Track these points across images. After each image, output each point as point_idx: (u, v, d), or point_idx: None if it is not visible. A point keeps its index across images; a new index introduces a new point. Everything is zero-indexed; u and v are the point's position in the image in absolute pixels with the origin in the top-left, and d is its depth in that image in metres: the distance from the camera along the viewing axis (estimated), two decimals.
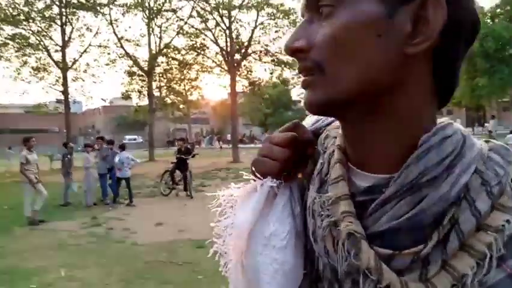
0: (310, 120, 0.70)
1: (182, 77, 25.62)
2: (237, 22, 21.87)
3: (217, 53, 22.77)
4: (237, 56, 22.37)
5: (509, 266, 0.46)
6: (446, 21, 0.46)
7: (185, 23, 22.10)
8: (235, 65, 22.09)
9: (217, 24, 21.72)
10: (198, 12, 21.53)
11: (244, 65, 23.21)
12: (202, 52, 22.92)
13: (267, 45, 22.34)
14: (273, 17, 21.40)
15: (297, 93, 55.35)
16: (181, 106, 29.85)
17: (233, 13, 21.50)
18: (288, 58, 22.10)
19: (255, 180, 0.60)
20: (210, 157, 25.77)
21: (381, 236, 0.48)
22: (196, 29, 22.19)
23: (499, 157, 0.50)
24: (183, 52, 23.26)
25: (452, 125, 0.51)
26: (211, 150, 37.92)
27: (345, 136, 0.55)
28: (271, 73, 24.02)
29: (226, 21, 21.55)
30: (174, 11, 22.05)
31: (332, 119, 0.66)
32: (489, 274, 0.45)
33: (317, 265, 0.57)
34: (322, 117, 0.68)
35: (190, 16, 21.85)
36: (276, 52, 22.33)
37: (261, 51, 22.58)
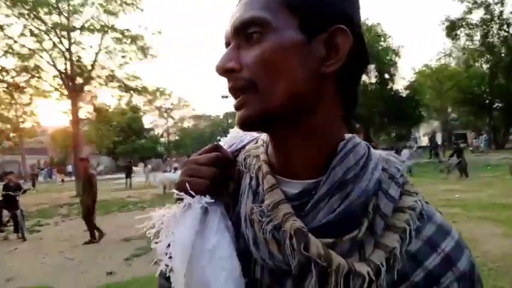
0: (223, 144, 0.76)
1: (13, 102, 22.51)
2: (77, 44, 20.31)
3: (55, 77, 20.65)
4: (80, 80, 20.70)
5: (424, 235, 0.58)
6: (350, 49, 0.57)
7: (15, 41, 19.57)
8: (77, 89, 20.39)
9: (55, 46, 19.81)
10: (31, 31, 19.31)
11: (89, 90, 21.65)
12: (37, 74, 20.55)
13: (113, 71, 21.27)
14: (119, 42, 20.56)
15: (150, 120, 54.55)
16: (12, 135, 26.04)
17: (73, 35, 19.96)
18: (136, 84, 21.50)
19: (180, 200, 0.63)
20: (49, 192, 23.02)
21: (321, 230, 0.55)
22: (30, 49, 19.80)
23: (394, 159, 0.65)
24: (13, 74, 20.49)
25: (356, 136, 0.63)
26: (51, 184, 33.92)
27: (274, 149, 0.64)
28: (119, 99, 22.95)
29: (66, 42, 19.83)
30: (0, 27, 19.36)
31: (245, 142, 0.76)
32: (411, 244, 0.57)
33: (253, 274, 0.61)
34: (235, 140, 0.77)
35: (22, 35, 19.46)
36: (124, 77, 21.45)
37: (106, 77, 21.37)
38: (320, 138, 0.60)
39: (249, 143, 0.75)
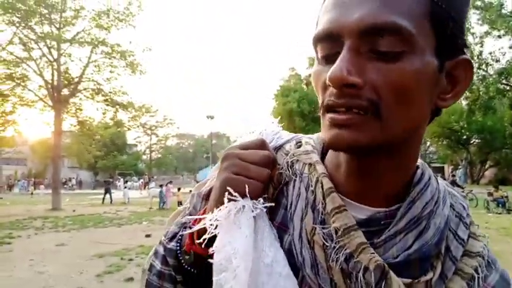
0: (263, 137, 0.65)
1: None
2: (66, 56, 20.18)
3: (40, 87, 20.39)
4: (65, 92, 20.48)
5: (489, 284, 0.56)
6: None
7: (3, 48, 19.37)
8: (62, 101, 20.14)
9: (43, 55, 19.66)
10: (20, 39, 19.18)
11: (74, 102, 21.40)
12: (23, 83, 20.23)
13: (100, 84, 21.10)
14: (108, 56, 20.52)
15: (133, 137, 53.95)
16: None
17: (63, 46, 19.85)
18: (123, 99, 21.34)
19: (229, 201, 0.53)
20: (24, 204, 22.35)
21: (394, 266, 0.50)
22: (17, 57, 19.57)
23: (456, 192, 0.60)
24: None
25: (425, 164, 0.58)
26: (26, 196, 32.98)
27: (349, 169, 0.55)
28: (104, 113, 22.70)
29: (55, 53, 19.70)
30: None
31: (284, 140, 0.65)
32: None
33: None
34: (273, 136, 0.66)
35: (10, 42, 19.29)
36: (110, 92, 21.27)
37: (93, 90, 21.19)
38: (409, 166, 0.55)
39: (288, 142, 0.66)
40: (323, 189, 0.55)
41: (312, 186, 0.56)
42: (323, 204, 0.54)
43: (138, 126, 47.47)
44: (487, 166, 37.63)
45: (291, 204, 0.57)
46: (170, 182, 21.18)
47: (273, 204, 0.55)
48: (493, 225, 10.92)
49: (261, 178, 0.55)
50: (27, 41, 19.33)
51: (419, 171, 0.56)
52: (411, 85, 0.47)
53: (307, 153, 0.61)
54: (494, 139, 33.34)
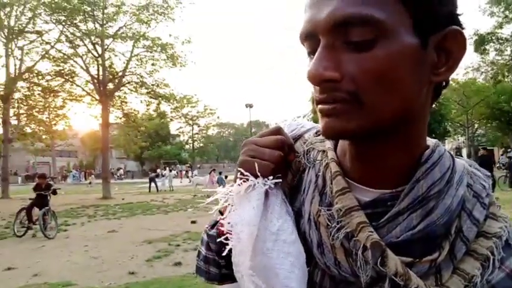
0: (285, 127, 0.70)
1: (46, 105, 23.36)
2: (109, 51, 20.98)
3: (87, 81, 21.34)
4: (110, 86, 21.31)
5: (507, 267, 0.53)
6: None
7: (52, 46, 20.38)
8: (108, 94, 20.99)
9: (89, 52, 20.55)
10: (67, 36, 20.11)
11: (118, 96, 22.22)
12: (71, 79, 21.25)
13: (142, 77, 21.78)
14: (149, 50, 21.09)
15: (176, 127, 55.33)
16: (44, 137, 26.95)
17: (106, 42, 20.63)
18: (165, 91, 21.85)
19: (244, 181, 0.58)
20: (77, 193, 23.64)
21: (396, 246, 0.50)
22: (64, 54, 20.60)
23: (479, 172, 0.59)
24: (48, 78, 21.27)
25: (441, 144, 0.57)
26: (79, 186, 34.80)
27: (351, 154, 0.57)
28: (147, 105, 23.41)
29: (99, 49, 20.51)
30: (39, 33, 20.20)
31: (306, 128, 0.70)
32: (493, 274, 0.52)
33: (311, 277, 0.58)
34: (296, 125, 0.71)
35: (58, 40, 20.27)
36: (152, 84, 21.91)
37: (136, 83, 21.90)
38: (413, 147, 0.54)
39: (310, 130, 0.70)
40: (331, 173, 0.57)
41: (321, 171, 0.59)
42: (330, 188, 0.57)
43: (180, 117, 48.68)
44: None
45: (304, 190, 0.61)
46: (214, 170, 21.74)
47: (280, 180, 0.59)
48: None
49: (272, 159, 0.59)
50: (73, 39, 20.22)
51: (427, 152, 0.54)
52: (388, 70, 0.47)
53: (322, 141, 0.64)
54: None
